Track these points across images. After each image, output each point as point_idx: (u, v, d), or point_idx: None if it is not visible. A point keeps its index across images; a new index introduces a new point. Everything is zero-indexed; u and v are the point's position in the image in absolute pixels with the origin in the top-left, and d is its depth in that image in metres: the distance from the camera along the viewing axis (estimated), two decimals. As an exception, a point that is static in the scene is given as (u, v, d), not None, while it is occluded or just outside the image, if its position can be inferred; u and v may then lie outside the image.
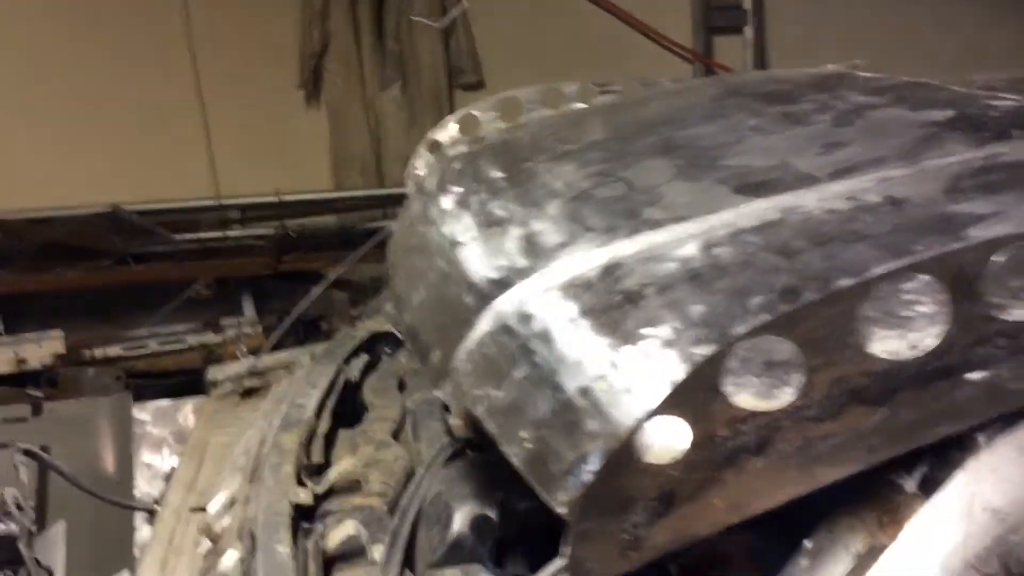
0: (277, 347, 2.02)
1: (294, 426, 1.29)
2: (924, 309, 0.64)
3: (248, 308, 4.31)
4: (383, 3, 4.54)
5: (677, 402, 0.61)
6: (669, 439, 0.61)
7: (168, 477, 1.63)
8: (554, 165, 1.21)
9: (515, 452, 0.72)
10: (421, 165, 1.57)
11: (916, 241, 0.70)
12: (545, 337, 0.78)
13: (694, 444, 0.61)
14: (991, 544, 0.62)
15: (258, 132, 4.56)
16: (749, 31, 4.82)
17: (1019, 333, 0.65)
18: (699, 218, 0.88)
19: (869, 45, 4.95)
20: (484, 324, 0.86)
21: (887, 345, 0.63)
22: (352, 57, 4.56)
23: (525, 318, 0.82)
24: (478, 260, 1.00)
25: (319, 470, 1.22)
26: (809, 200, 0.87)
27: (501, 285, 0.90)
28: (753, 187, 0.95)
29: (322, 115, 4.68)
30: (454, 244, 1.07)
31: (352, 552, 1.06)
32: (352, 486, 1.17)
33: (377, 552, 1.03)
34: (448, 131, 1.61)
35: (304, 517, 1.12)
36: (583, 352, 0.73)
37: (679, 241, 0.84)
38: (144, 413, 1.99)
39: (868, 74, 1.46)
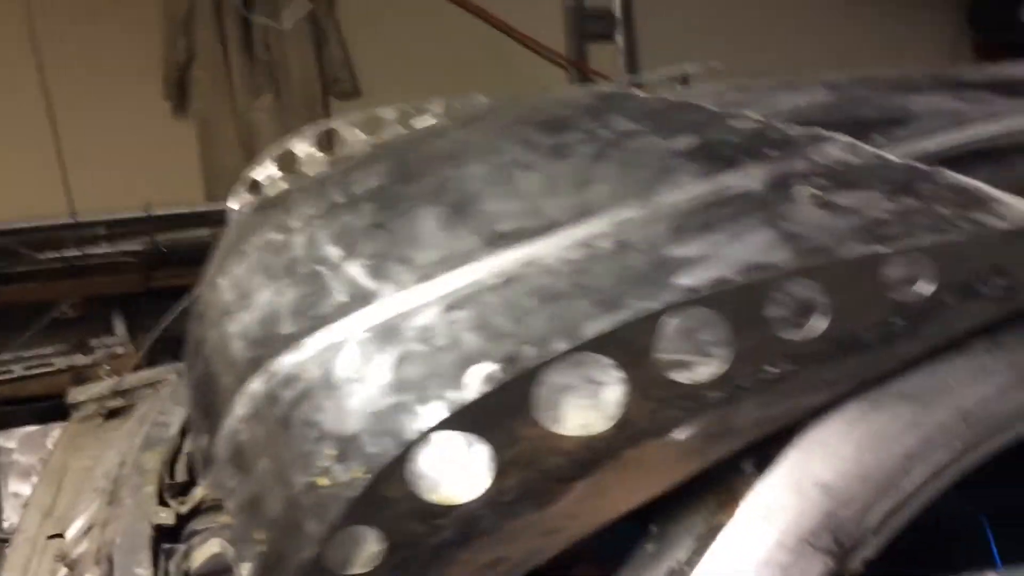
0: (150, 365, 1.95)
1: (157, 445, 1.25)
2: (600, 380, 0.65)
3: (119, 327, 4.15)
4: (250, 10, 4.45)
5: (362, 511, 0.62)
6: (363, 546, 0.62)
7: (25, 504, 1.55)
8: (329, 221, 1.14)
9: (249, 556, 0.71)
10: (235, 209, 1.47)
11: (631, 293, 0.72)
12: (281, 425, 0.75)
13: (390, 548, 0.62)
14: (823, 518, 0.66)
15: (122, 146, 4.39)
16: (620, 38, 4.95)
17: (699, 393, 0.66)
18: (442, 276, 0.85)
19: (740, 49, 5.17)
20: (238, 407, 0.82)
21: (575, 420, 0.64)
22: (220, 67, 4.45)
23: (266, 401, 0.78)
24: (237, 334, 0.94)
25: (183, 489, 1.18)
26: (550, 250, 0.86)
27: (254, 364, 0.84)
28: (504, 237, 0.92)
29: (191, 127, 4.55)
30: (222, 312, 1.02)
31: (218, 571, 1.03)
32: (219, 505, 1.15)
33: (245, 570, 1.00)
34: (266, 169, 1.51)
35: (167, 538, 1.08)
36: (305, 445, 0.70)
37: (417, 302, 0.81)
38: (10, 441, 1.89)
39: (645, 94, 1.46)
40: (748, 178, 0.96)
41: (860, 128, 1.27)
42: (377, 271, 0.92)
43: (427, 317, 0.77)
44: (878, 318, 0.68)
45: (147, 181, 4.35)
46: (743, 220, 0.86)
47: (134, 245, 4.27)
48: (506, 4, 4.76)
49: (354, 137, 1.57)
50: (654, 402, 0.65)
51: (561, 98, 1.62)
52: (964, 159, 1.05)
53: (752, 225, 0.85)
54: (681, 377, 0.66)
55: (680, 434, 0.67)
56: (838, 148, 1.00)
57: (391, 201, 1.16)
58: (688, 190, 0.96)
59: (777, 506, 0.66)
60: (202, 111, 4.49)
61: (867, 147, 1.00)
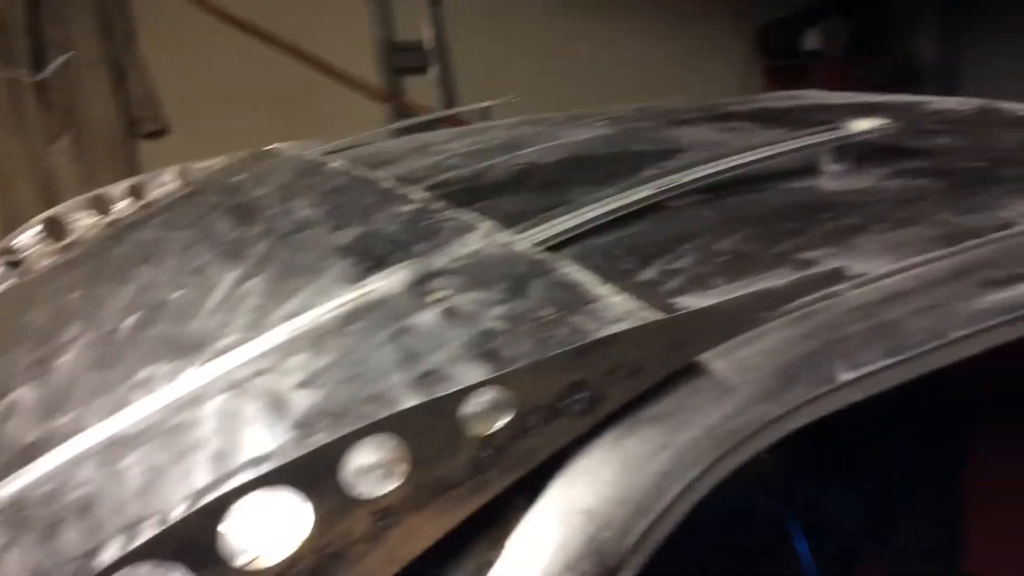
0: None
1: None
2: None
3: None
4: (43, 49, 4.20)
5: None
6: None
7: None
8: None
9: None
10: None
11: (242, 443, 0.76)
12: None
13: None
14: (586, 544, 0.68)
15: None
16: (435, 70, 5.01)
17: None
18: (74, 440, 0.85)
19: (551, 76, 5.34)
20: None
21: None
22: (12, 109, 4.17)
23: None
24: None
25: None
26: (157, 406, 0.86)
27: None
28: (114, 401, 0.91)
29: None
30: None
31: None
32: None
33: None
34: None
35: None
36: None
37: (41, 481, 0.80)
38: None
39: (336, 165, 1.53)
40: (392, 280, 1.00)
41: (633, 160, 1.35)
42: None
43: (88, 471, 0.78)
44: (464, 455, 0.69)
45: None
46: (372, 338, 0.90)
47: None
48: (319, 38, 4.73)
49: (81, 222, 1.58)
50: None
51: (263, 171, 1.63)
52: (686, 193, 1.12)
53: (378, 343, 0.88)
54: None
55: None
56: (477, 237, 1.05)
57: (44, 341, 1.14)
58: (335, 299, 0.99)
59: (543, 537, 0.68)
60: (-3, 156, 4.19)
61: (503, 235, 1.05)
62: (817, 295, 0.84)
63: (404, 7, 4.93)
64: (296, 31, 4.68)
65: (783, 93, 1.98)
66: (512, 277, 0.94)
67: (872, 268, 0.88)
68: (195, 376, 0.92)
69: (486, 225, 1.07)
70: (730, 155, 1.15)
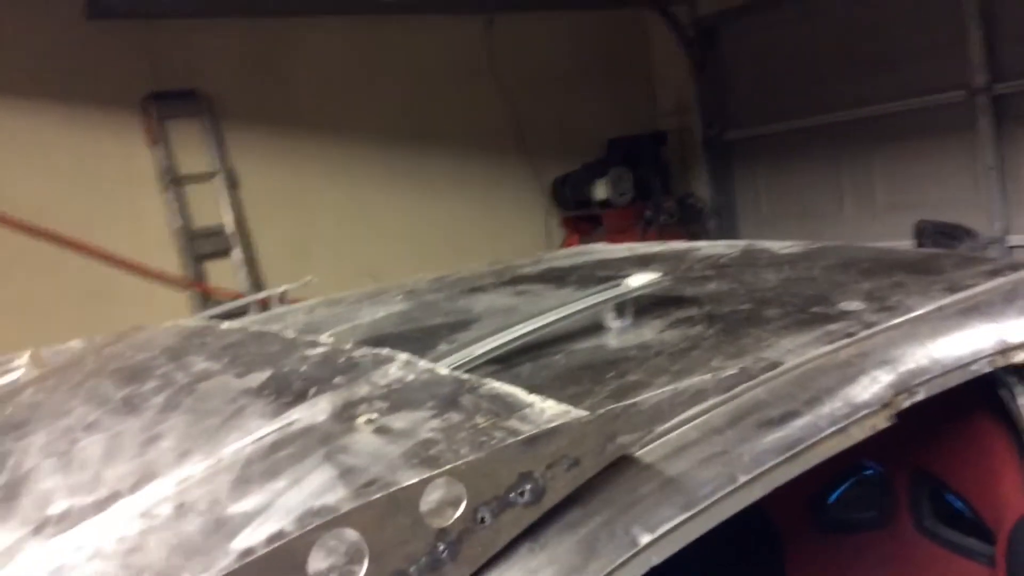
0: None
1: None
2: None
3: None
4: None
5: None
6: None
7: None
8: None
9: None
10: None
11: (185, 568, 0.72)
12: None
13: None
14: None
15: None
16: (237, 253, 4.95)
17: None
18: None
19: (358, 249, 5.39)
20: None
21: None
22: None
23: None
24: None
25: None
26: (102, 531, 0.83)
27: None
28: (57, 520, 0.88)
29: None
30: None
31: None
32: None
33: None
34: None
35: None
36: None
37: None
38: None
39: (228, 325, 1.53)
40: (315, 409, 0.99)
41: (428, 335, 1.36)
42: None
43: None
44: (421, 549, 0.70)
45: None
46: (305, 460, 0.87)
47: None
48: (114, 234, 4.59)
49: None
50: None
51: (142, 340, 1.56)
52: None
53: (313, 464, 0.85)
54: None
55: None
56: (397, 367, 1.07)
57: None
58: (255, 432, 0.96)
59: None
60: None
61: (422, 363, 1.06)
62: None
63: (200, 194, 4.89)
64: (96, 229, 4.53)
65: (570, 250, 2.08)
66: (441, 395, 0.96)
67: (657, 422, 0.91)
68: (131, 502, 0.87)
69: (403, 356, 1.08)
70: (521, 322, 1.18)
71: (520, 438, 0.78)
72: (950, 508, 1.61)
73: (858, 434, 0.97)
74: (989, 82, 5.00)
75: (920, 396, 1.04)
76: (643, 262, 1.70)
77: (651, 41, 6.93)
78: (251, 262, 5.06)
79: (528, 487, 0.76)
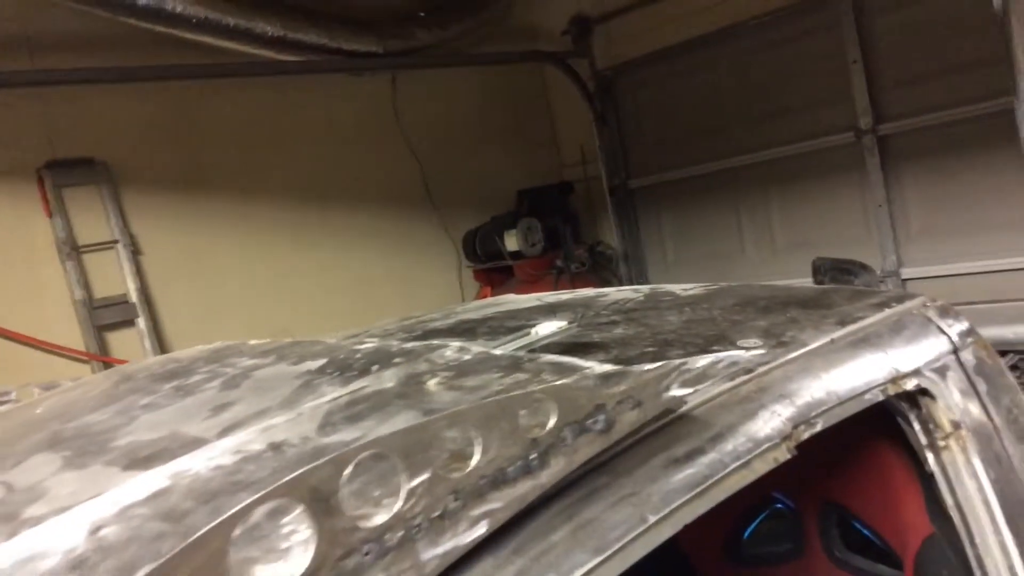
0: None
1: None
2: (291, 533, 0.67)
3: None
4: None
5: None
6: None
7: None
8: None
9: None
10: None
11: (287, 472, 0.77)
12: None
13: None
14: None
15: None
16: (142, 322, 4.82)
17: (381, 535, 0.71)
18: (85, 503, 0.86)
19: (272, 310, 5.30)
20: None
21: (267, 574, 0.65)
22: None
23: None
24: None
25: None
26: (198, 462, 0.90)
27: None
28: (142, 461, 0.97)
29: None
30: None
31: None
32: None
33: None
34: None
35: None
36: None
37: (63, 532, 0.80)
38: None
39: (257, 341, 1.61)
40: (382, 378, 1.10)
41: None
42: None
43: (73, 540, 0.76)
44: (518, 454, 0.80)
45: None
46: (387, 408, 0.98)
47: None
48: (15, 308, 4.43)
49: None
50: (342, 550, 0.68)
51: (168, 357, 1.67)
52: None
53: (397, 410, 0.97)
54: (367, 523, 0.69)
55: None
56: (451, 351, 1.18)
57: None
58: (328, 395, 1.06)
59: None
60: None
61: (475, 346, 1.19)
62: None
63: (103, 262, 4.75)
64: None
65: (480, 302, 2.09)
66: (503, 366, 1.07)
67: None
68: (219, 444, 0.95)
69: (456, 343, 1.18)
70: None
71: (597, 372, 0.92)
72: (859, 536, 1.66)
73: (761, 467, 0.99)
74: (873, 124, 5.28)
75: (819, 427, 1.08)
76: (552, 311, 1.72)
77: (553, 94, 7.10)
78: (157, 330, 4.93)
79: (602, 417, 0.87)
